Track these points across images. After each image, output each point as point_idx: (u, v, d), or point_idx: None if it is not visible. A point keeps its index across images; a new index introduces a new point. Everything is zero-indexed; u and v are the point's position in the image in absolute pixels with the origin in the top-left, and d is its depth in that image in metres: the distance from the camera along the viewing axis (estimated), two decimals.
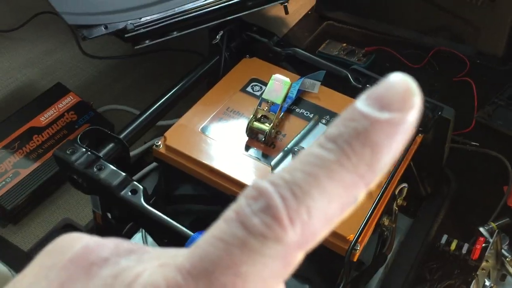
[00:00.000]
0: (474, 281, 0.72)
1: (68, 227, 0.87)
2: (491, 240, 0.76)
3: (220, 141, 0.75)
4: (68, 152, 0.70)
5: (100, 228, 0.80)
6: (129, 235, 0.81)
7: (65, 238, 0.19)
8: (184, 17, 0.86)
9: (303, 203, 0.16)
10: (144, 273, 0.16)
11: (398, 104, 0.17)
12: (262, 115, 0.76)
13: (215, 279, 0.15)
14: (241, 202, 0.16)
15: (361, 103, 0.17)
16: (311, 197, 0.16)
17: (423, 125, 0.79)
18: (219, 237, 0.16)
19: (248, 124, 0.75)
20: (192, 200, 0.84)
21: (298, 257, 0.16)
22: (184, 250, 0.17)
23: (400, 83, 0.17)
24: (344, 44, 1.20)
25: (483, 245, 0.76)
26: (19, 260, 0.80)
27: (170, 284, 0.15)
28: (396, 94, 0.17)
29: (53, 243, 0.19)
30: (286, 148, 0.74)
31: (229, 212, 0.17)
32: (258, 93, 0.82)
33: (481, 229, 0.79)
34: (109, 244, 0.18)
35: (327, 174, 0.16)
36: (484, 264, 0.74)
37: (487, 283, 0.73)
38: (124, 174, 0.69)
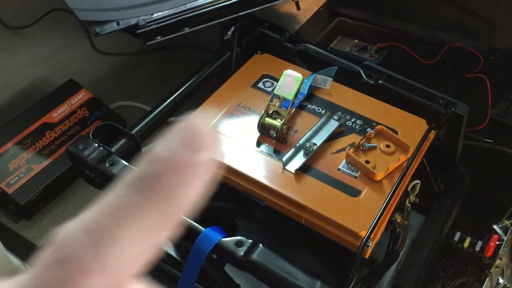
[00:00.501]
0: (487, 278, 0.72)
1: None
2: (505, 238, 0.75)
3: (232, 137, 0.75)
4: (80, 147, 0.70)
5: None
6: None
7: None
8: (196, 13, 0.86)
9: (96, 253, 0.16)
10: None
11: (188, 147, 0.17)
12: (273, 111, 0.76)
13: None
14: (44, 252, 0.16)
15: (158, 147, 0.17)
16: (105, 246, 0.16)
17: (437, 122, 0.78)
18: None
19: (259, 120, 0.75)
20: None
21: None
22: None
23: (188, 126, 0.17)
24: (356, 41, 1.19)
25: (497, 242, 0.75)
26: (32, 255, 0.80)
27: None
28: (186, 137, 0.17)
29: None
30: (297, 144, 0.73)
31: (36, 262, 0.17)
32: (269, 89, 0.82)
33: (495, 226, 0.78)
34: None
35: (121, 223, 0.16)
36: (498, 262, 0.73)
37: (500, 280, 0.72)
38: (136, 169, 0.69)
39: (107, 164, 0.69)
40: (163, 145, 0.17)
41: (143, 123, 0.80)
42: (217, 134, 0.16)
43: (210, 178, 0.17)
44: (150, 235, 0.17)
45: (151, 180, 0.16)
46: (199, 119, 0.17)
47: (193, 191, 0.17)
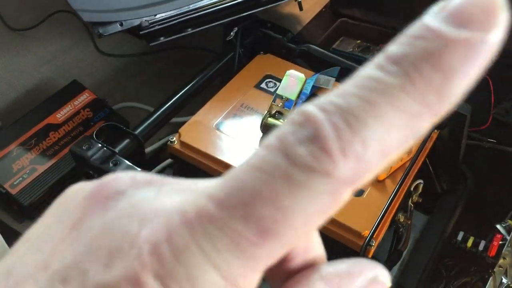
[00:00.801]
0: (491, 278, 0.72)
1: None
2: (508, 237, 0.75)
3: (235, 137, 0.75)
4: (84, 147, 0.71)
5: None
6: None
7: (77, 185, 0.18)
8: (199, 14, 0.87)
9: (357, 133, 0.14)
10: (166, 203, 0.15)
11: (479, 21, 0.14)
12: (276, 111, 0.76)
13: (253, 210, 0.14)
14: (286, 129, 0.14)
15: (433, 18, 0.14)
16: (367, 127, 0.14)
17: (439, 121, 0.78)
18: (259, 166, 0.14)
19: (262, 120, 0.75)
20: None
21: (347, 193, 0.14)
22: (214, 181, 0.15)
23: None
24: (359, 41, 1.19)
25: (500, 242, 0.75)
26: None
27: (201, 213, 0.14)
28: (477, 8, 0.14)
29: (65, 191, 0.18)
30: None
31: (271, 139, 0.14)
32: (272, 90, 0.82)
33: (498, 226, 0.78)
34: (125, 176, 0.17)
35: (388, 101, 0.14)
36: (501, 261, 0.73)
37: (504, 280, 0.72)
38: (139, 169, 0.69)
39: (110, 164, 0.69)
40: (434, 16, 0.15)
41: (146, 123, 0.81)
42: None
43: (487, 64, 0.14)
44: (412, 121, 0.14)
45: (419, 58, 0.14)
46: None
47: (470, 77, 0.14)
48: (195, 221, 0.14)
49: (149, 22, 0.83)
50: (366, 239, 0.64)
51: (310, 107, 0.14)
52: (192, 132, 0.76)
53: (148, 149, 0.91)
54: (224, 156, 0.73)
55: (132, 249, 0.14)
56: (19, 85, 1.12)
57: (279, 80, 0.79)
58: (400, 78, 0.14)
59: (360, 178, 0.14)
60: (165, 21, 0.84)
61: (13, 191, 0.87)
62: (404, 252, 0.76)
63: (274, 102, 0.76)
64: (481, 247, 0.76)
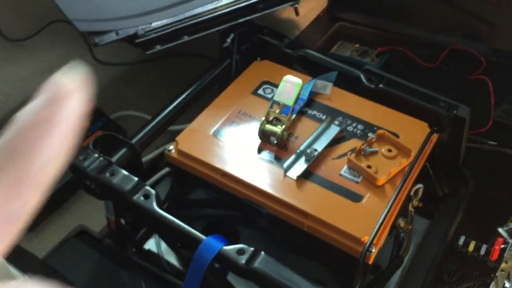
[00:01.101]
0: (493, 282, 0.71)
1: (83, 233, 0.87)
2: (510, 241, 0.75)
3: (232, 145, 0.75)
4: (81, 158, 0.70)
5: (114, 234, 0.80)
6: (143, 241, 0.81)
7: None
8: (195, 21, 0.86)
9: None
10: None
11: (49, 103, 0.16)
12: (274, 118, 0.75)
13: None
14: None
15: (18, 113, 0.17)
16: None
17: (439, 124, 0.78)
18: None
19: (260, 127, 0.74)
20: (205, 205, 0.84)
21: None
22: None
23: (51, 82, 0.16)
24: (357, 45, 1.19)
25: (502, 246, 0.74)
26: (34, 267, 0.80)
27: None
28: (47, 92, 0.16)
29: None
30: (298, 150, 0.73)
31: None
32: (269, 96, 0.82)
33: (500, 229, 0.77)
34: None
35: None
36: (503, 265, 0.72)
37: (506, 284, 0.71)
38: (136, 178, 0.69)
39: (107, 174, 0.69)
40: (24, 108, 0.17)
41: (143, 132, 0.80)
42: (82, 79, 0.21)
43: (77, 127, 0.16)
44: (11, 202, 0.17)
45: (4, 147, 0.16)
46: (65, 73, 0.16)
47: (50, 148, 0.16)
48: None
49: (145, 30, 0.83)
50: (366, 245, 0.63)
51: None
52: (190, 140, 0.75)
53: (145, 158, 0.90)
54: (222, 164, 0.72)
55: None
56: (16, 95, 1.12)
57: (277, 86, 0.78)
58: None
59: None
60: (161, 29, 0.84)
61: None
62: (406, 258, 0.75)
63: (272, 109, 0.76)
64: (482, 251, 0.75)
